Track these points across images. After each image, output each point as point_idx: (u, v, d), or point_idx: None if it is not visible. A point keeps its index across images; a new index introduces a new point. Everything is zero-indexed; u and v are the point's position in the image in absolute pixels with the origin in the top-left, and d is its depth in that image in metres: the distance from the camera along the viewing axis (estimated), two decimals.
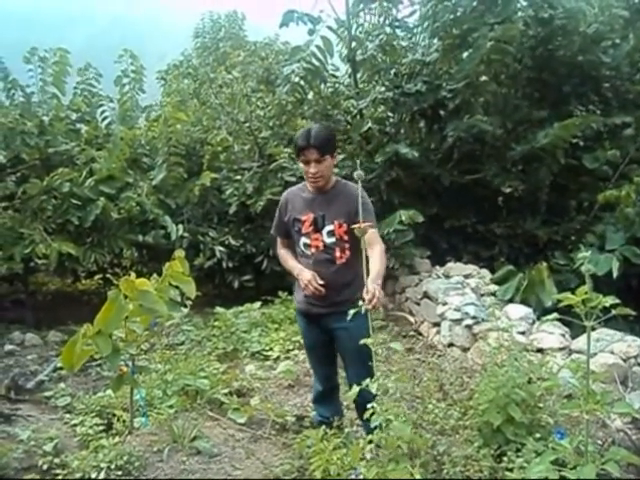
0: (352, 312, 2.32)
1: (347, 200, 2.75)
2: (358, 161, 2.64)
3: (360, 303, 2.35)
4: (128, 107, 7.18)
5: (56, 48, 6.74)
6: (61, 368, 4.18)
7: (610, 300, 1.61)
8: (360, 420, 2.93)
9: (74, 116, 6.87)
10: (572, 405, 1.63)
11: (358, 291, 2.49)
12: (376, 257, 2.64)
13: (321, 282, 2.71)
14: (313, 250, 2.83)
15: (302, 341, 3.29)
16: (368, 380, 2.28)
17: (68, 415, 3.41)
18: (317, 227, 2.81)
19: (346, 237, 2.78)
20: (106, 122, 7.11)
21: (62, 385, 3.97)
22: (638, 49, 6.95)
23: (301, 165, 2.84)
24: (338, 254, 2.80)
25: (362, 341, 2.31)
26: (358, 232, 2.37)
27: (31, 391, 3.92)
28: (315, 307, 2.83)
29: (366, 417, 2.27)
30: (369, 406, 2.26)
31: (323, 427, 2.77)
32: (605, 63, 6.60)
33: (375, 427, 2.23)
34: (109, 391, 3.45)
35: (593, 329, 3.76)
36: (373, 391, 2.25)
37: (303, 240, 2.84)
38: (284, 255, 3.00)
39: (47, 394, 3.81)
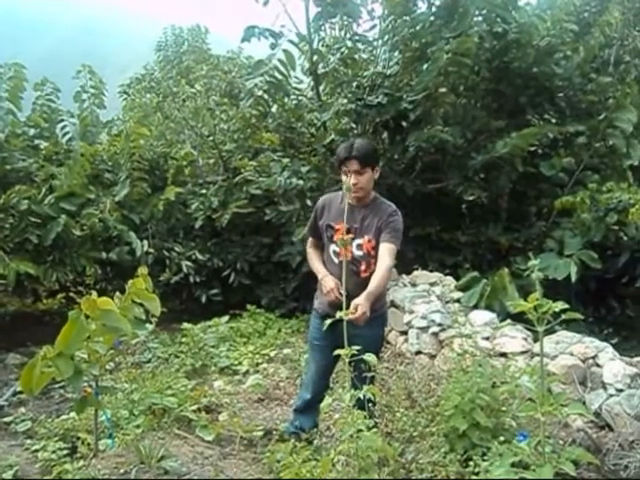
0: None
1: (379, 217, 2.90)
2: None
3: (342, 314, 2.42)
4: (88, 122, 7.07)
5: (11, 63, 6.60)
6: (21, 392, 4.04)
7: (560, 305, 1.67)
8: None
9: (32, 132, 6.72)
10: (528, 408, 1.68)
11: (378, 302, 2.76)
12: (378, 273, 2.80)
13: (343, 292, 2.67)
14: (341, 259, 2.78)
15: (310, 344, 3.22)
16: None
17: (29, 440, 3.29)
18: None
19: (373, 252, 2.87)
20: (67, 138, 6.98)
21: (22, 410, 3.85)
22: (588, 61, 7.25)
23: (342, 177, 2.89)
24: (363, 267, 2.90)
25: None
26: (340, 242, 2.39)
27: None
28: (335, 310, 2.76)
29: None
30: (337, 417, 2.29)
31: (292, 440, 2.76)
32: (558, 74, 6.86)
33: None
34: (73, 413, 3.35)
35: (553, 332, 3.89)
36: (346, 401, 2.26)
37: (333, 247, 2.94)
38: (312, 255, 3.11)
39: (6, 420, 3.67)
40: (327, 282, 2.82)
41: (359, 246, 2.88)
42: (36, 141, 6.72)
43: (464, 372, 2.96)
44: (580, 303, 6.24)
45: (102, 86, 7.22)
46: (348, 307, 2.68)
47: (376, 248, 2.85)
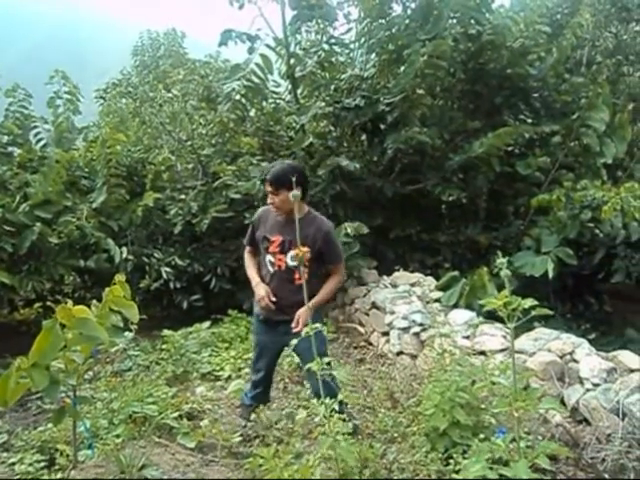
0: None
1: (316, 231, 3.10)
2: (294, 179, 2.69)
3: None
4: (64, 129, 6.96)
5: None
6: None
7: (529, 302, 1.69)
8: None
9: (5, 139, 6.60)
10: (502, 404, 1.70)
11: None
12: (328, 285, 3.17)
13: (274, 299, 3.09)
14: (276, 268, 3.16)
15: (254, 341, 3.52)
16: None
17: (5, 454, 3.22)
18: (283, 249, 3.12)
19: (307, 264, 3.00)
20: (40, 144, 6.87)
21: None
22: (561, 62, 7.39)
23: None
24: (297, 276, 3.09)
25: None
26: (294, 259, 2.44)
27: None
28: (276, 315, 3.16)
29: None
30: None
31: (275, 445, 2.76)
32: (532, 75, 6.97)
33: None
34: (50, 425, 3.30)
35: (531, 329, 3.94)
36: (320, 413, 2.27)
37: (269, 258, 3.17)
38: (248, 262, 3.35)
39: None
40: (259, 290, 3.13)
41: (294, 257, 3.08)
42: (9, 148, 6.59)
43: (444, 371, 2.98)
44: (558, 300, 6.36)
45: (77, 91, 7.11)
46: (283, 311, 3.08)
47: (311, 260, 3.04)
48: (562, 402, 3.37)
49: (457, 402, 2.66)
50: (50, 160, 6.16)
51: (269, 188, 3.10)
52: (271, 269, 3.15)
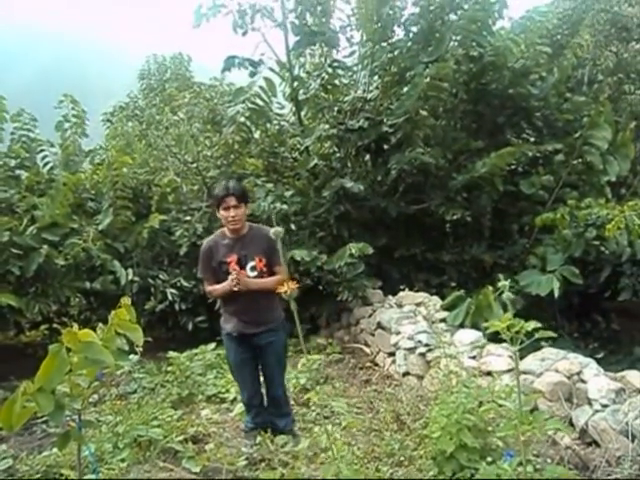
0: None
1: (262, 240, 3.33)
2: (274, 216, 2.82)
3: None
4: (71, 152, 7.06)
5: None
6: (1, 428, 3.95)
7: (532, 324, 1.69)
8: (277, 415, 3.59)
9: (13, 163, 6.69)
10: (508, 427, 1.68)
11: (278, 312, 3.49)
12: (273, 278, 3.37)
13: (235, 275, 3.28)
14: (239, 284, 3.35)
15: (230, 361, 3.70)
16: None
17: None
18: (241, 264, 3.36)
19: (265, 269, 3.39)
20: (48, 167, 6.96)
21: (3, 447, 3.75)
22: (562, 81, 7.46)
23: (222, 213, 3.36)
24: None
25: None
26: (286, 295, 2.49)
27: None
28: (248, 328, 3.42)
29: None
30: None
31: (280, 469, 2.74)
32: (534, 95, 7.04)
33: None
34: (55, 449, 3.28)
35: (538, 349, 3.91)
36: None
37: (231, 277, 3.33)
38: (217, 286, 3.47)
39: None
40: (230, 279, 3.29)
41: (252, 267, 3.38)
42: (17, 171, 6.68)
43: (450, 393, 2.96)
44: (565, 318, 6.31)
45: (84, 115, 7.23)
46: (254, 323, 3.39)
47: (267, 265, 3.38)
48: (570, 423, 3.33)
49: (464, 425, 2.64)
50: (57, 183, 6.23)
51: (233, 202, 3.30)
52: (235, 288, 3.31)
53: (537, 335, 1.69)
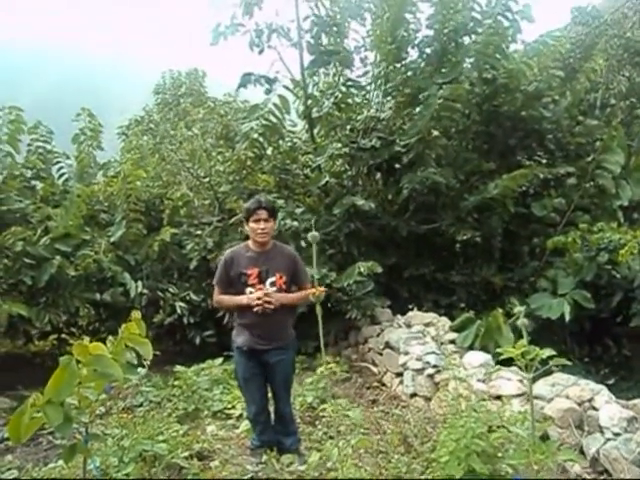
0: None
1: (285, 258, 3.46)
2: (313, 221, 2.80)
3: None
4: (86, 164, 7.16)
5: (10, 106, 6.72)
6: (8, 439, 3.95)
7: (547, 352, 1.67)
8: (283, 434, 3.58)
9: (29, 173, 6.79)
10: (520, 455, 1.66)
11: (290, 330, 3.51)
12: (300, 293, 3.45)
13: (259, 294, 3.29)
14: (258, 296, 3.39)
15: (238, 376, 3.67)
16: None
17: None
18: (261, 279, 3.39)
19: (285, 287, 3.42)
20: (63, 179, 7.06)
21: (9, 457, 3.76)
22: (575, 104, 7.48)
23: (251, 225, 3.40)
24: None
25: None
26: (314, 298, 2.52)
27: None
28: (259, 345, 3.41)
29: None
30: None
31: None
32: (546, 117, 7.05)
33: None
34: (61, 462, 3.28)
35: (549, 374, 3.87)
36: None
37: (249, 290, 3.38)
38: (224, 296, 3.51)
39: None
40: (254, 297, 3.30)
41: (272, 283, 3.39)
42: (32, 182, 6.78)
43: (459, 416, 2.93)
44: (575, 343, 6.24)
45: (100, 128, 7.35)
46: (267, 339, 3.37)
47: (287, 283, 3.43)
48: (581, 451, 3.27)
49: (473, 450, 2.60)
50: (72, 194, 6.31)
51: (264, 215, 3.37)
52: (256, 309, 3.32)
53: (552, 363, 1.67)
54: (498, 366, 1.82)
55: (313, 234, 2.59)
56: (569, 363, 1.72)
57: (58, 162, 7.16)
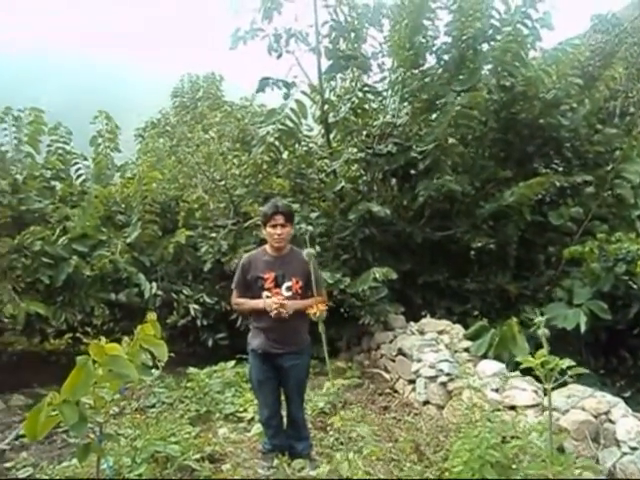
0: None
1: (302, 262, 3.35)
2: (307, 237, 2.88)
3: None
4: (103, 165, 7.24)
5: (31, 108, 6.83)
6: (24, 436, 4.00)
7: (567, 362, 1.65)
8: (295, 438, 3.58)
9: (49, 174, 6.88)
10: (538, 467, 1.64)
11: (305, 335, 3.51)
12: (312, 299, 3.30)
13: (284, 302, 3.32)
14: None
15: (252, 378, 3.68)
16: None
17: None
18: (277, 283, 3.42)
19: (301, 291, 3.43)
20: (81, 180, 7.14)
21: (24, 454, 3.79)
22: (594, 113, 7.40)
23: (268, 230, 3.42)
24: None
25: None
26: (315, 317, 2.51)
27: None
28: (274, 348, 3.44)
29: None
30: None
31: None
32: (564, 125, 6.99)
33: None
34: (75, 460, 3.31)
35: (564, 385, 3.82)
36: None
37: (265, 294, 3.41)
38: (241, 300, 3.55)
39: (7, 465, 3.63)
40: (271, 301, 3.33)
41: (288, 288, 3.42)
42: (52, 182, 6.87)
43: (473, 426, 2.90)
44: (590, 354, 6.15)
45: (117, 130, 7.42)
46: (281, 343, 3.39)
47: (303, 287, 3.42)
48: (597, 464, 3.22)
49: (487, 460, 2.58)
50: (89, 195, 6.38)
51: (281, 220, 3.38)
52: (272, 313, 3.35)
53: (570, 373, 1.65)
54: (517, 372, 1.79)
55: (309, 251, 2.58)
56: (587, 371, 1.69)
57: (76, 163, 7.25)
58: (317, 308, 2.47)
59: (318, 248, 5.74)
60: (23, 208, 6.12)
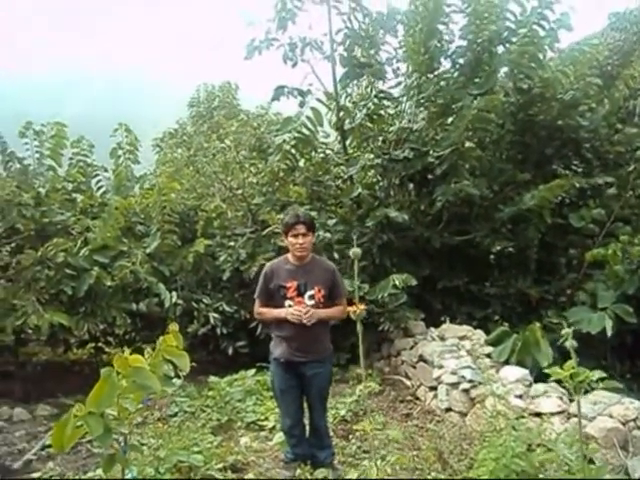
0: None
1: (324, 271, 3.50)
2: (355, 236, 2.84)
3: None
4: (123, 177, 7.33)
5: (53, 122, 6.96)
6: (50, 446, 4.05)
7: (597, 374, 1.62)
8: (318, 447, 3.56)
9: (70, 186, 6.99)
10: (565, 475, 1.61)
11: (327, 343, 3.54)
12: (337, 308, 3.48)
13: (304, 310, 3.33)
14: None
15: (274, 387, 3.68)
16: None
17: None
18: (300, 292, 3.42)
19: (323, 300, 3.43)
20: (101, 191, 7.25)
21: (50, 464, 3.85)
22: (614, 112, 7.30)
23: (290, 239, 3.44)
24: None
25: None
26: (354, 316, 2.52)
27: (18, 472, 3.78)
28: (296, 357, 3.44)
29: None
30: None
31: None
32: (583, 126, 6.90)
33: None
34: (99, 470, 3.34)
35: (589, 391, 3.74)
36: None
37: (288, 302, 3.42)
38: (264, 309, 3.57)
39: (35, 475, 3.68)
40: (292, 310, 3.35)
41: (311, 296, 3.42)
42: (73, 195, 6.97)
43: (498, 434, 2.86)
44: (616, 358, 6.04)
45: (137, 143, 7.52)
46: (303, 351, 3.40)
47: (325, 296, 3.43)
48: (626, 473, 3.15)
49: (513, 469, 2.54)
50: (110, 207, 6.45)
51: (302, 230, 3.40)
52: (295, 320, 3.35)
53: (601, 385, 1.62)
54: (550, 386, 1.73)
55: (355, 250, 2.59)
56: (620, 386, 1.66)
57: (97, 175, 7.36)
58: (357, 307, 2.50)
59: (336, 255, 5.74)
60: (46, 220, 6.22)
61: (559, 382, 3.75)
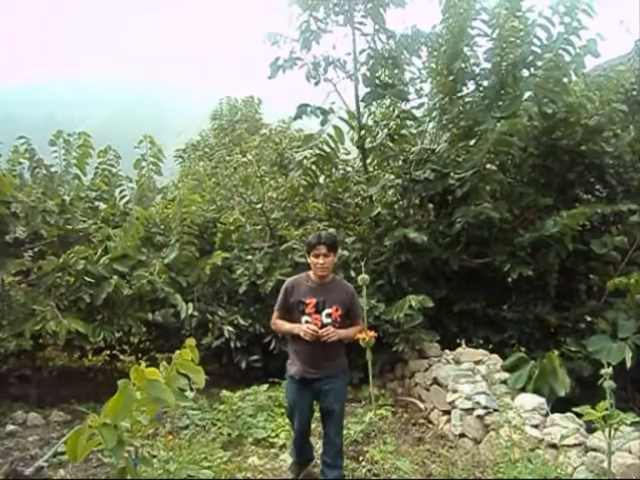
0: None
1: (343, 292, 3.60)
2: (363, 263, 2.87)
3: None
4: (146, 188, 7.44)
5: (80, 132, 7.12)
6: (61, 453, 4.09)
7: (631, 417, 1.58)
8: (329, 466, 3.58)
9: (93, 195, 7.12)
10: None
11: (342, 358, 3.63)
12: (354, 328, 3.62)
13: (314, 328, 3.42)
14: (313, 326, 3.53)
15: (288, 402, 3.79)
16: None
17: None
18: (318, 309, 3.52)
19: (339, 319, 3.52)
20: (124, 201, 7.36)
21: (61, 472, 3.86)
22: (639, 139, 7.20)
23: (311, 259, 3.56)
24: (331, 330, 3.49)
25: None
26: (364, 343, 2.54)
27: (29, 478, 3.80)
28: (310, 374, 3.54)
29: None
30: None
31: None
32: (608, 152, 6.82)
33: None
34: None
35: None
36: None
37: (305, 318, 3.53)
38: (281, 322, 3.67)
39: None
40: (302, 327, 3.45)
41: (328, 315, 3.51)
42: (96, 203, 7.09)
43: (512, 465, 2.81)
44: (636, 390, 5.90)
45: (160, 154, 7.64)
46: (317, 368, 3.50)
47: (342, 316, 3.53)
48: None
49: None
50: (131, 217, 6.53)
51: (324, 250, 3.50)
52: (307, 337, 3.43)
53: (634, 429, 1.58)
54: (567, 417, 1.68)
55: (363, 277, 2.63)
56: None
57: (120, 185, 7.49)
58: (366, 334, 2.50)
59: (353, 273, 5.73)
60: (68, 228, 6.33)
61: (577, 414, 3.68)
